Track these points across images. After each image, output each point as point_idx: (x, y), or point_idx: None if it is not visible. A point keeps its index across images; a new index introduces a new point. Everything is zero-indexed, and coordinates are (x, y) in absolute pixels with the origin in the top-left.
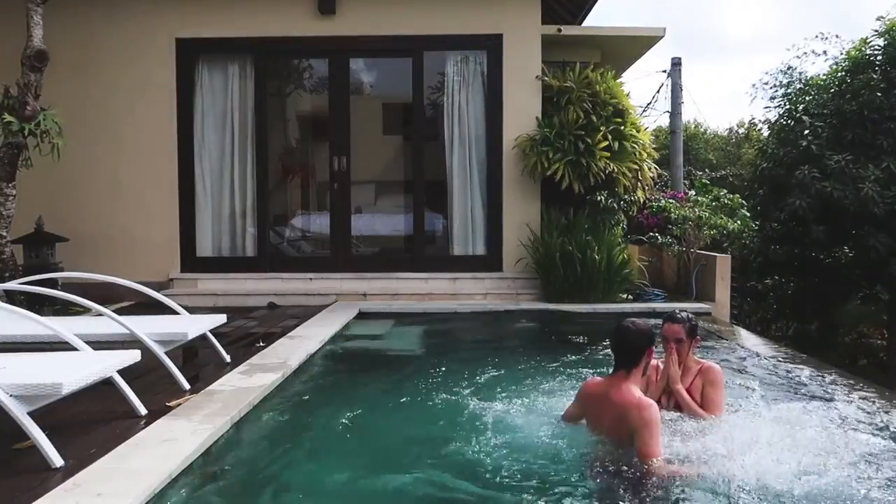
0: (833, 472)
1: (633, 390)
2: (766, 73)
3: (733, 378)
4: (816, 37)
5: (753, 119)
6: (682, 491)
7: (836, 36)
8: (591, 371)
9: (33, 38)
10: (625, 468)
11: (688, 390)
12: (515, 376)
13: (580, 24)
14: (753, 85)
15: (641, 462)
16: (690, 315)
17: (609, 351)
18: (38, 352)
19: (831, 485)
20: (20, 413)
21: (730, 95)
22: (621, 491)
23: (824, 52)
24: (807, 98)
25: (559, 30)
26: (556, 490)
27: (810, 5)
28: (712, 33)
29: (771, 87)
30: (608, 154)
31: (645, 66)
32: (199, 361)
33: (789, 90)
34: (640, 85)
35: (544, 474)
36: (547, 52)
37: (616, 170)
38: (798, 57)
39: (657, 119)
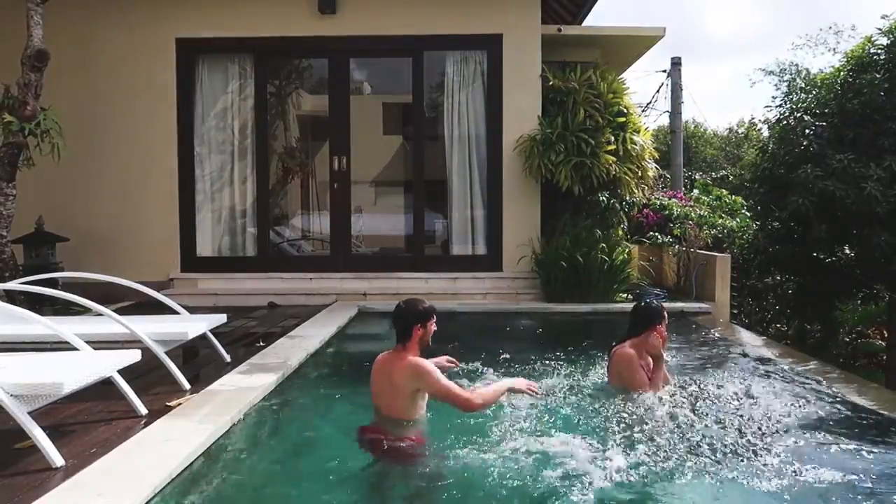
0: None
1: (404, 356)
2: (776, 60)
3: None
4: (830, 28)
5: (753, 119)
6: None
7: (853, 27)
8: (589, 371)
9: (33, 38)
10: (399, 444)
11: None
12: (512, 376)
13: (580, 23)
14: (759, 70)
15: (464, 408)
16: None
17: (596, 351)
18: (39, 352)
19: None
20: (21, 413)
21: (717, 95)
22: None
23: (835, 49)
24: (808, 97)
25: (559, 30)
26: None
27: (795, 8)
28: (697, 34)
29: (776, 77)
30: (614, 158)
31: (644, 66)
32: (200, 361)
33: (791, 86)
34: (639, 85)
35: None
36: (547, 51)
37: (619, 171)
38: (809, 46)
39: (657, 119)
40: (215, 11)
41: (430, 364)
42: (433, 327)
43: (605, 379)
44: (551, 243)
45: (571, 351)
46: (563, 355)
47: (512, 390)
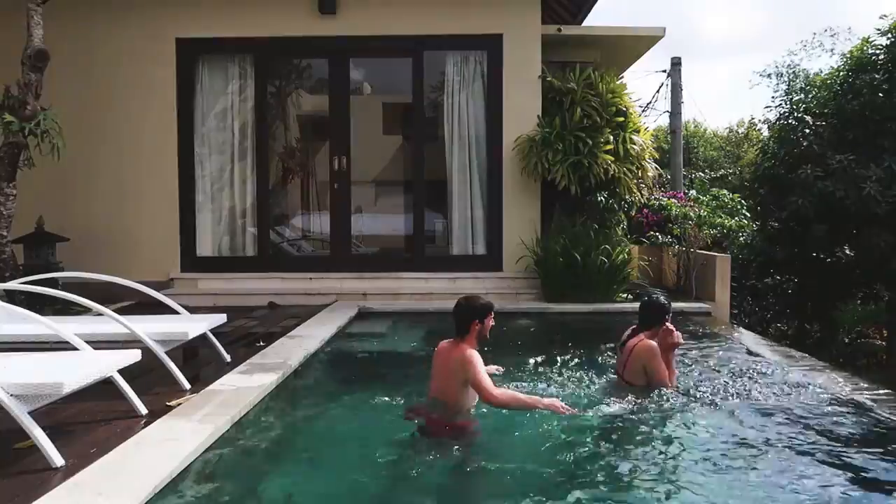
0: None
1: (462, 347)
2: (774, 62)
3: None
4: (825, 31)
5: (753, 119)
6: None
7: (849, 29)
8: (588, 370)
9: (34, 38)
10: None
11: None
12: (512, 376)
13: (580, 24)
14: (757, 72)
15: (484, 398)
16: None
17: (604, 350)
18: (39, 352)
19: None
20: (21, 413)
21: (717, 95)
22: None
23: (832, 50)
24: (808, 98)
25: (559, 30)
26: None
27: (794, 8)
28: (697, 35)
29: (775, 79)
30: (612, 158)
31: (644, 66)
32: (200, 361)
33: (791, 86)
34: (639, 85)
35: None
36: (547, 51)
37: (617, 171)
38: (805, 49)
39: (657, 119)
40: (215, 11)
41: (476, 356)
42: (491, 322)
43: (613, 375)
44: (551, 243)
45: (572, 350)
46: (563, 354)
47: (544, 407)
